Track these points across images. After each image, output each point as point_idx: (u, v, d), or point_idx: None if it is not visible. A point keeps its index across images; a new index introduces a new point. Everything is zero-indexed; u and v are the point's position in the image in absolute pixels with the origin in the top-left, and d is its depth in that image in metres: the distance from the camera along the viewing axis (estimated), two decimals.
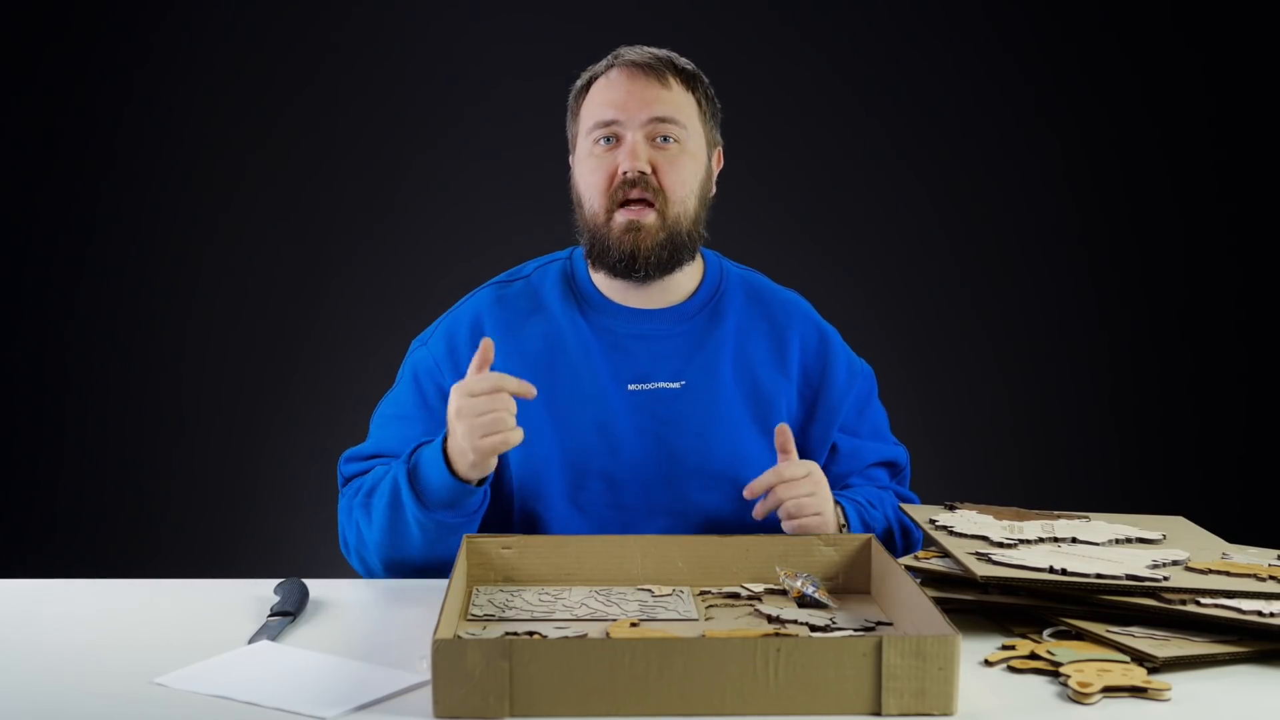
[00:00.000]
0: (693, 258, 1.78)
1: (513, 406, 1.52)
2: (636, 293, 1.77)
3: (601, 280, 1.78)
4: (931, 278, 3.45)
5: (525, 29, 3.34)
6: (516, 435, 1.52)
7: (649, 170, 1.70)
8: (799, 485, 1.62)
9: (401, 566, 1.66)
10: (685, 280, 1.79)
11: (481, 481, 1.59)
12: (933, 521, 1.58)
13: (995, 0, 3.41)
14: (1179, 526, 1.65)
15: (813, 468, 1.65)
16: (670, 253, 1.72)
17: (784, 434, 1.66)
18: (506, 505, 1.73)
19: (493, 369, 1.72)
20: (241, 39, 3.35)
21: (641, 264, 1.71)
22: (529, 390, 1.53)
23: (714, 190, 1.81)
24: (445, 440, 1.57)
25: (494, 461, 1.55)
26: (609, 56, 1.78)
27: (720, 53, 3.39)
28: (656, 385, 1.74)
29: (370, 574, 1.70)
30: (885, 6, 3.40)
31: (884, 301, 3.42)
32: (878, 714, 1.18)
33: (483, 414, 1.51)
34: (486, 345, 1.55)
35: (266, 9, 3.35)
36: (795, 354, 1.80)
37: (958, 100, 3.42)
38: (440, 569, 1.64)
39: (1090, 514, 1.65)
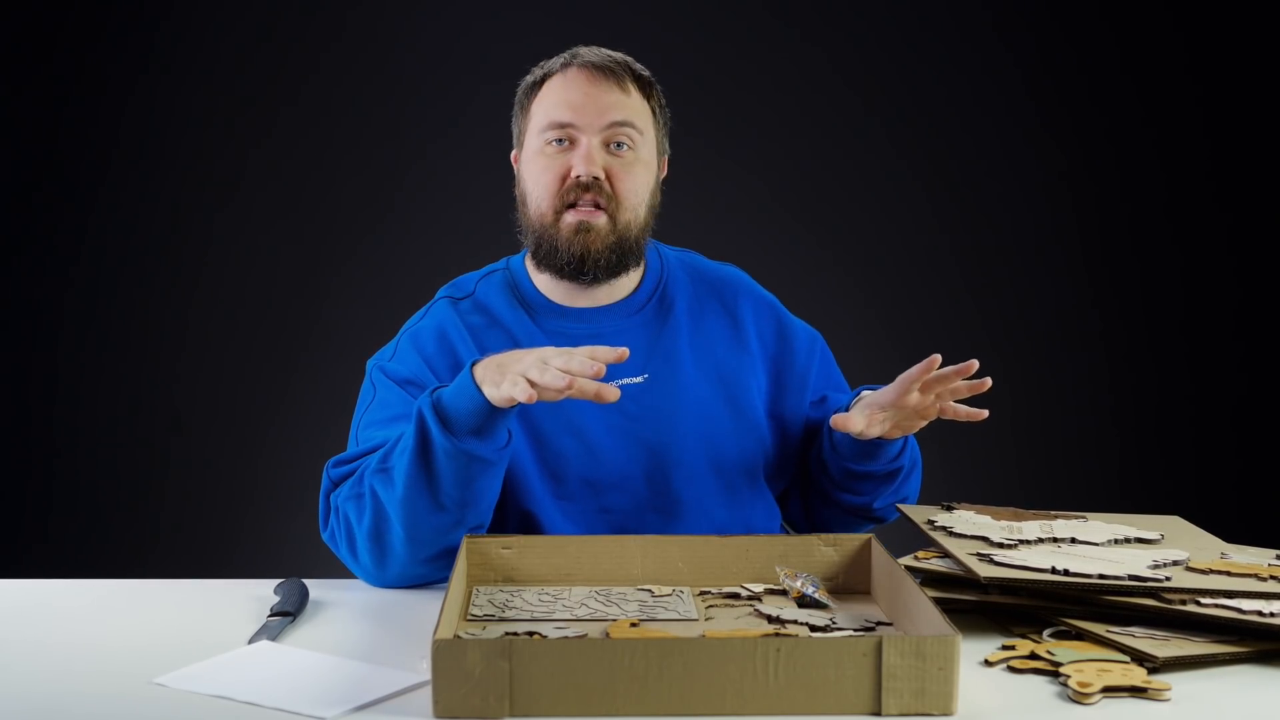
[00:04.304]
0: (638, 263, 1.77)
1: (558, 387, 1.42)
2: (583, 294, 1.76)
3: (546, 284, 1.76)
4: (931, 277, 3.45)
5: (524, 28, 3.34)
6: (525, 390, 1.43)
7: (603, 176, 1.69)
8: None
9: (429, 530, 1.54)
10: (629, 276, 1.78)
11: (508, 410, 1.51)
12: (931, 522, 1.58)
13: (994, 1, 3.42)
14: (1176, 526, 1.65)
15: None
16: (619, 257, 1.72)
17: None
18: (501, 509, 1.71)
19: None
20: (242, 39, 3.35)
21: (590, 266, 1.70)
22: (611, 392, 1.46)
23: (660, 198, 1.78)
24: (470, 372, 1.51)
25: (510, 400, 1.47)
26: (564, 55, 1.75)
27: (720, 52, 3.41)
28: (621, 382, 1.72)
29: (385, 560, 1.58)
30: (883, 3, 3.40)
31: (883, 301, 3.42)
32: (878, 714, 1.18)
33: (537, 365, 1.44)
34: (623, 354, 1.46)
35: (267, 9, 3.35)
36: (750, 328, 1.80)
37: (960, 99, 3.42)
38: (469, 518, 1.55)
39: (1087, 514, 1.66)
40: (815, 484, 1.82)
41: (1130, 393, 3.47)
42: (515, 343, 1.73)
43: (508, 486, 1.69)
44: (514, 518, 1.71)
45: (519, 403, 1.48)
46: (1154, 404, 3.47)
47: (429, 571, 1.61)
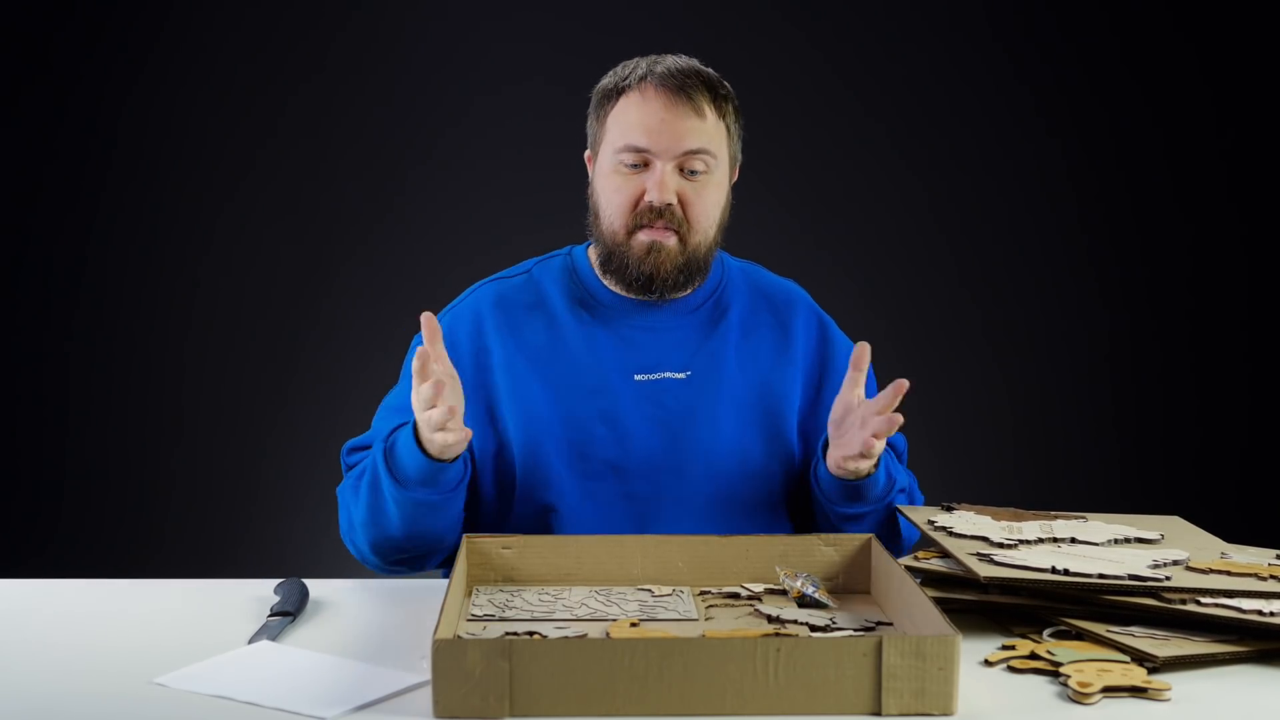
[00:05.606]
0: (704, 277, 1.79)
1: (457, 404, 1.53)
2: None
3: (607, 278, 1.79)
4: (932, 277, 3.45)
5: (524, 28, 3.34)
6: (460, 437, 1.53)
7: (675, 201, 1.70)
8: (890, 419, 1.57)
9: (386, 545, 1.67)
10: None
11: (455, 458, 1.60)
12: (931, 522, 1.58)
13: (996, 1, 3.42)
14: (1176, 526, 1.65)
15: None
16: (686, 276, 1.74)
17: (863, 351, 1.63)
18: (509, 494, 1.73)
19: (496, 364, 1.75)
20: (243, 38, 3.35)
21: (659, 285, 1.73)
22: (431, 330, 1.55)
23: (730, 210, 1.80)
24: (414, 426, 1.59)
25: (462, 446, 1.57)
26: (641, 63, 1.73)
27: (720, 51, 3.40)
28: (663, 375, 1.75)
29: (363, 557, 1.72)
30: (885, 5, 3.40)
31: (884, 300, 3.42)
32: (878, 714, 1.18)
33: (428, 409, 1.52)
34: (428, 321, 1.55)
35: (268, 8, 3.35)
36: (799, 342, 1.82)
37: (961, 99, 3.42)
38: (424, 547, 1.66)
39: (1087, 514, 1.66)
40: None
41: (1131, 393, 3.47)
42: (555, 328, 1.76)
43: (526, 471, 1.72)
44: (529, 508, 1.73)
45: (464, 444, 1.56)
46: (1154, 404, 3.47)
47: (408, 571, 1.71)
